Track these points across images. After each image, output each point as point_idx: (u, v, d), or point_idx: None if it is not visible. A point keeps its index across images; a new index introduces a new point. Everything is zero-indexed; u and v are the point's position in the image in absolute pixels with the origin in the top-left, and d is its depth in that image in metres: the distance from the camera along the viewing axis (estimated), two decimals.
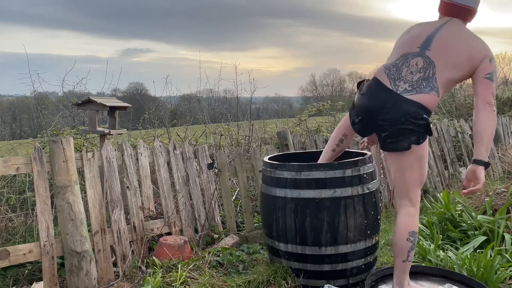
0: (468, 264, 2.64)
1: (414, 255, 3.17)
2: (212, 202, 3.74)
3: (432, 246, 3.00)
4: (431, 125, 2.16)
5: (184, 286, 2.65)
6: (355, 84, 2.48)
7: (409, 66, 2.17)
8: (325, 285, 2.53)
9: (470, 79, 2.21)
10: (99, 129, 3.49)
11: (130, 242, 3.19)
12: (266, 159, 2.95)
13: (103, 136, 3.40)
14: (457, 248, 3.12)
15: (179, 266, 2.84)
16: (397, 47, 2.32)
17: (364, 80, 2.34)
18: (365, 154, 2.83)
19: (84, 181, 3.07)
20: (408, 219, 2.24)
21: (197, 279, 2.72)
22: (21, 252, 2.71)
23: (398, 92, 2.13)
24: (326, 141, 4.81)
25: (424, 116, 2.10)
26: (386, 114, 2.12)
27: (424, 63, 2.15)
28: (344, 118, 2.53)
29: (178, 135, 5.79)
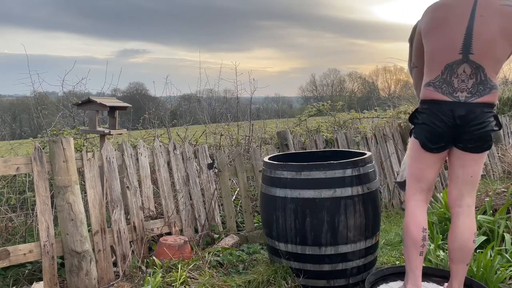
0: None
1: None
2: (212, 202, 3.74)
3: (432, 246, 3.00)
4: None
5: (184, 286, 2.65)
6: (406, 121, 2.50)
7: (458, 76, 2.09)
8: None
9: None
10: (99, 129, 3.49)
11: (130, 242, 3.19)
12: (266, 159, 2.95)
13: (103, 136, 3.40)
14: None
15: (179, 266, 2.84)
16: (434, 53, 2.15)
17: (414, 112, 2.26)
18: (365, 154, 2.83)
19: (84, 181, 3.08)
20: (473, 220, 2.24)
21: (197, 279, 2.72)
22: (21, 252, 2.71)
23: (462, 101, 2.10)
24: (326, 141, 4.83)
25: (492, 111, 2.13)
26: (468, 124, 2.10)
27: (472, 69, 2.06)
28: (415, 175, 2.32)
29: (178, 135, 5.79)
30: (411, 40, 2.43)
